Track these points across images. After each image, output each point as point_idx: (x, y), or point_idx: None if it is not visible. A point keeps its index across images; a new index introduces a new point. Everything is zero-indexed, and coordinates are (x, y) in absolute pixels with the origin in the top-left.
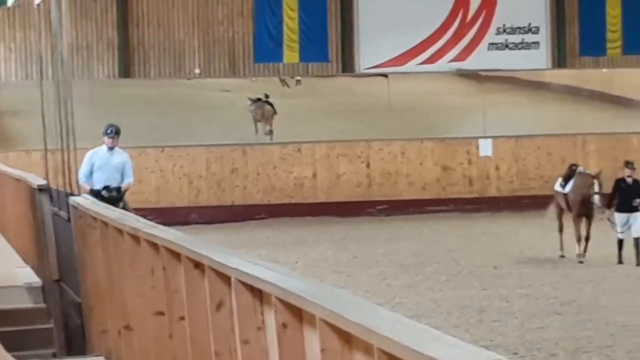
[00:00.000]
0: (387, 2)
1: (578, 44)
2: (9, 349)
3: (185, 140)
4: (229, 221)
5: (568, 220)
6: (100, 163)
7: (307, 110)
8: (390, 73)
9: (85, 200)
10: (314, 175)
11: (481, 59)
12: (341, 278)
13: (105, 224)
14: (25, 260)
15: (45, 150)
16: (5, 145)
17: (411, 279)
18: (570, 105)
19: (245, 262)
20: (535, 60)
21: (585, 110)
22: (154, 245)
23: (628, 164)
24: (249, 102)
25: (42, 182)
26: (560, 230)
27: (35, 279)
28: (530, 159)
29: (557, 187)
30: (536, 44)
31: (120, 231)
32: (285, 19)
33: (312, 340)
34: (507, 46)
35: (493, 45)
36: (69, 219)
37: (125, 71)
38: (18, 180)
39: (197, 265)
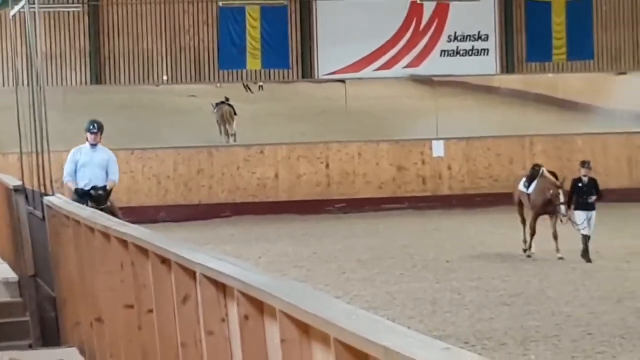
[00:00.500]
0: (345, 11)
1: (525, 51)
2: None
3: (154, 142)
4: (195, 219)
5: (540, 221)
6: (84, 160)
7: (269, 114)
8: (348, 79)
9: (58, 200)
10: (276, 175)
11: (434, 65)
12: (302, 272)
13: (77, 222)
14: (2, 257)
15: (21, 153)
16: None
17: (368, 272)
18: (518, 108)
19: (209, 258)
20: (485, 66)
21: (532, 113)
22: (124, 242)
23: (584, 164)
24: (212, 107)
25: (18, 183)
26: (524, 225)
27: (12, 275)
28: (480, 159)
29: (521, 186)
30: (486, 50)
31: (91, 229)
32: (248, 28)
33: (273, 331)
34: (458, 53)
35: (445, 52)
36: (43, 218)
37: (97, 78)
38: None
39: (164, 260)
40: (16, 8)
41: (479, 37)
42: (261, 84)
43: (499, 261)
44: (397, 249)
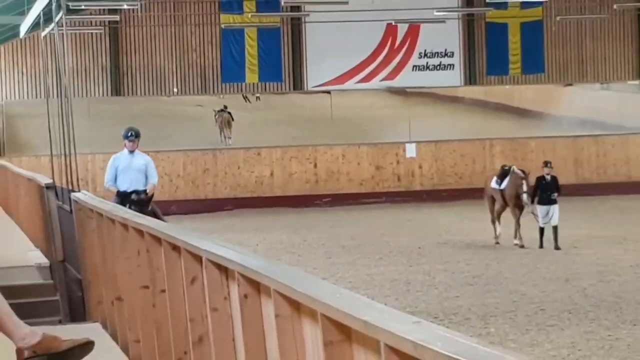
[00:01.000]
0: (330, 32)
1: (485, 66)
2: (23, 317)
3: (166, 146)
4: (202, 212)
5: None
6: (123, 166)
7: (265, 121)
8: (333, 90)
9: (84, 196)
10: (271, 174)
11: (407, 78)
12: (294, 258)
13: (100, 214)
14: (35, 245)
15: (51, 155)
16: (19, 151)
17: (351, 257)
18: (479, 115)
19: (214, 245)
20: (451, 79)
21: (491, 119)
22: (140, 232)
23: (547, 164)
24: (214, 112)
25: (49, 181)
26: (493, 221)
27: (44, 260)
28: (447, 160)
29: (493, 184)
30: (451, 65)
31: (112, 220)
32: (247, 47)
33: (268, 308)
34: (427, 67)
35: (416, 67)
36: (71, 211)
37: (117, 90)
38: (29, 179)
39: (175, 247)
40: (47, 30)
41: (446, 54)
42: (258, 95)
43: (464, 247)
44: (376, 237)
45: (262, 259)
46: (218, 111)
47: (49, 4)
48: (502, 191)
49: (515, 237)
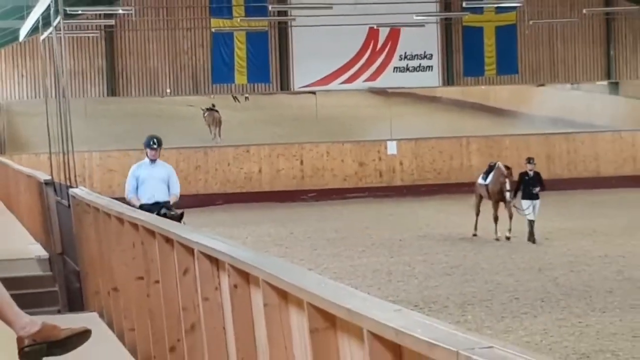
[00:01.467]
0: (315, 36)
1: (462, 67)
2: (23, 307)
3: None
4: (194, 207)
5: (484, 207)
6: (144, 176)
7: (253, 120)
8: (318, 91)
9: (81, 191)
10: (260, 170)
11: (388, 79)
12: (281, 249)
13: (97, 209)
14: (35, 238)
15: (50, 153)
16: (19, 149)
17: (335, 249)
18: (456, 114)
19: (205, 237)
20: (430, 79)
21: (468, 118)
22: (135, 226)
23: (529, 160)
24: (202, 111)
25: (48, 177)
26: (477, 215)
27: (43, 253)
28: (426, 156)
29: (480, 180)
30: (430, 67)
31: (108, 215)
32: (236, 50)
33: (257, 297)
34: (408, 69)
35: (397, 69)
36: (69, 206)
37: (112, 91)
38: (29, 176)
39: (168, 240)
40: (45, 34)
41: (425, 56)
42: (247, 95)
43: (442, 239)
44: (359, 230)
45: (251, 251)
46: (207, 110)
47: (48, 8)
48: (487, 186)
49: (475, 230)
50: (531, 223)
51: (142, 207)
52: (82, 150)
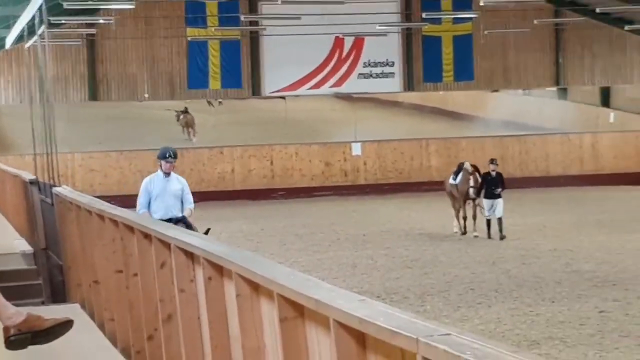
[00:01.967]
0: (285, 44)
1: (422, 74)
2: (9, 299)
3: (138, 145)
4: None
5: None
6: (157, 191)
7: (227, 123)
8: (287, 96)
9: (63, 190)
10: (233, 170)
11: (353, 85)
12: (253, 244)
13: (79, 207)
14: (20, 234)
15: (35, 154)
16: (6, 150)
17: (303, 244)
18: (417, 117)
19: (181, 233)
20: (392, 85)
21: (427, 121)
22: (115, 222)
23: (492, 161)
24: (175, 114)
25: (33, 177)
26: (456, 215)
27: (28, 248)
28: (388, 157)
29: (450, 180)
30: (392, 73)
31: (89, 212)
32: (210, 57)
33: (230, 289)
34: (371, 75)
35: (361, 75)
36: (52, 204)
37: (93, 96)
38: (15, 176)
39: (146, 236)
40: (30, 42)
41: (387, 64)
42: (220, 100)
43: (403, 234)
44: (325, 226)
45: (224, 246)
46: (180, 112)
47: (33, 18)
48: (456, 186)
49: (460, 229)
50: (489, 222)
51: None
52: (64, 151)
